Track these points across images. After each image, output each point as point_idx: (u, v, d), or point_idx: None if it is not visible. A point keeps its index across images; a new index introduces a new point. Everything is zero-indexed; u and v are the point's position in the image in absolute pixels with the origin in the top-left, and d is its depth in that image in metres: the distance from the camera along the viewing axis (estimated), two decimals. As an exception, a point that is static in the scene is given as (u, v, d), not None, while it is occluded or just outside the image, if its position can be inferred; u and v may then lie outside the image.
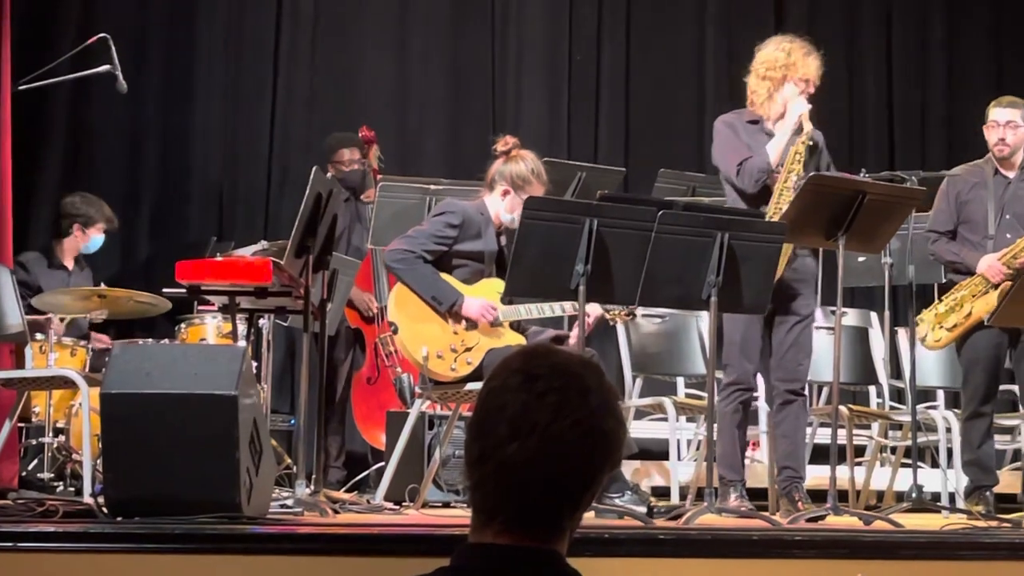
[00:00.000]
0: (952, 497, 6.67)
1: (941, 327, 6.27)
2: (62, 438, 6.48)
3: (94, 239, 7.42)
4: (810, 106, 5.67)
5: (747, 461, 7.10)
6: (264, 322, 6.73)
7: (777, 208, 5.56)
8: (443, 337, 5.58)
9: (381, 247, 7.21)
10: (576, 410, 1.97)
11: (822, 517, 5.32)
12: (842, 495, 6.04)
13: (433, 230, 5.67)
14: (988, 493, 6.24)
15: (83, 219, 7.38)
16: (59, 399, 6.55)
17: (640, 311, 6.70)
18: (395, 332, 5.64)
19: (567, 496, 1.99)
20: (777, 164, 5.65)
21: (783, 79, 5.70)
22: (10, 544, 3.79)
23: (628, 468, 6.81)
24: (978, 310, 6.12)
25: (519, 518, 1.98)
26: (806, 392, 5.90)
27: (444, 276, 5.63)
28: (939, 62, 10.00)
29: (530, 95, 9.20)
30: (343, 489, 6.93)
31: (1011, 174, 6.34)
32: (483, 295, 5.63)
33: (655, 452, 7.32)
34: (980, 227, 6.30)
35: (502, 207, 5.72)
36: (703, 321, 6.75)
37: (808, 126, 5.64)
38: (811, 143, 5.67)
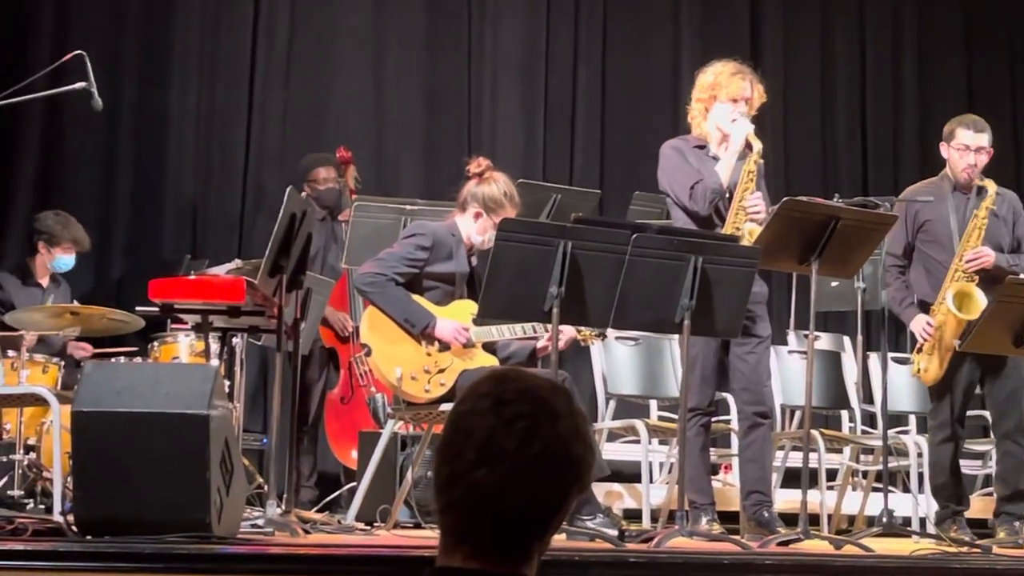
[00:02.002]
0: (923, 522, 6.69)
1: (930, 356, 6.17)
2: (33, 455, 6.45)
3: (59, 258, 7.36)
4: (752, 126, 5.70)
5: (718, 484, 7.14)
6: (237, 341, 6.71)
7: (734, 227, 5.60)
8: (416, 358, 5.58)
9: (356, 267, 7.21)
10: (545, 436, 1.97)
11: (793, 541, 5.32)
12: (813, 519, 6.06)
13: (404, 252, 5.66)
14: (961, 518, 6.23)
15: (47, 237, 7.34)
16: (30, 416, 6.52)
17: (613, 333, 6.71)
18: (368, 354, 5.64)
19: (536, 521, 2.00)
20: (729, 185, 5.69)
21: (713, 99, 5.77)
22: (-22, 562, 3.77)
23: (600, 490, 6.80)
24: (948, 332, 6.10)
25: (488, 542, 1.98)
26: (772, 416, 5.94)
27: (416, 298, 5.63)
28: (912, 88, 10.07)
29: (506, 117, 9.22)
30: (315, 509, 6.91)
31: (969, 192, 6.25)
32: (455, 316, 5.62)
33: (627, 474, 7.32)
34: (945, 245, 6.19)
35: (473, 229, 5.71)
36: (676, 344, 6.76)
37: (757, 144, 5.69)
38: (762, 160, 5.72)
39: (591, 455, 2.02)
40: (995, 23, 10.23)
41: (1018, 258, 6.26)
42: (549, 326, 5.43)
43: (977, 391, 6.36)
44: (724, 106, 5.74)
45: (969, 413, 6.37)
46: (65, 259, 7.38)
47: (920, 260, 6.29)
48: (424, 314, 5.57)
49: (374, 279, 5.58)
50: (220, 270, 6.70)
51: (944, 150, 6.29)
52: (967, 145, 6.19)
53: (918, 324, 6.18)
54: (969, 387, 6.23)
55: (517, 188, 5.99)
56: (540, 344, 5.71)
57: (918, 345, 6.22)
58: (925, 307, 6.22)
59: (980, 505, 7.15)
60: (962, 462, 6.40)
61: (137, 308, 6.59)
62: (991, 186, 6.19)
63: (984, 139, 6.21)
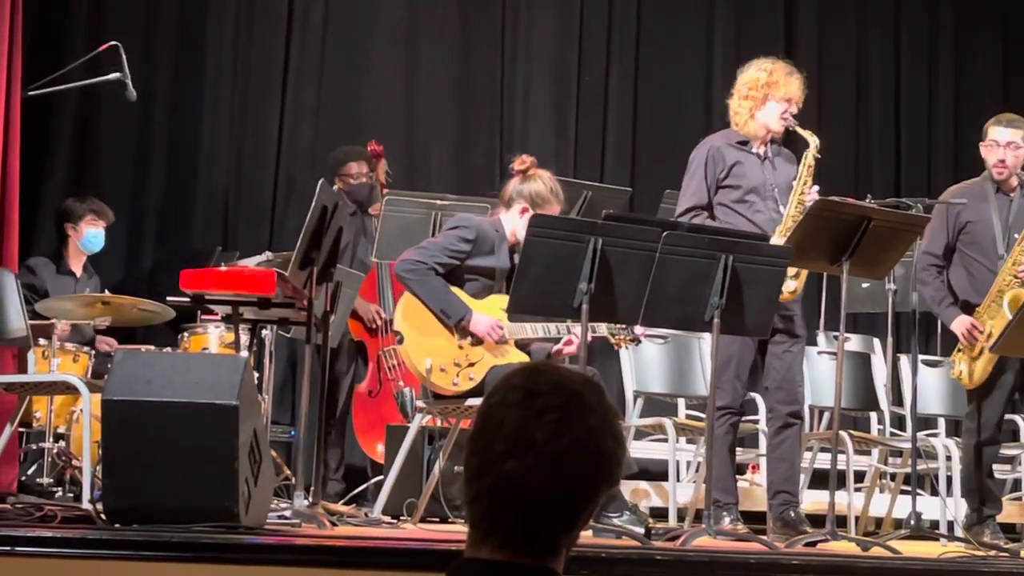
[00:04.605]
0: (951, 525, 6.66)
1: (974, 360, 6.07)
2: (62, 443, 6.49)
3: (87, 233, 7.33)
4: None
5: (745, 484, 7.13)
6: (267, 333, 6.74)
7: (793, 220, 5.58)
8: (448, 351, 5.59)
9: (386, 261, 7.23)
10: (575, 429, 1.97)
11: (820, 542, 5.31)
12: (840, 521, 6.04)
13: (446, 243, 5.68)
14: (993, 521, 6.18)
15: (67, 215, 7.36)
16: (60, 404, 6.56)
17: (641, 330, 6.71)
18: (400, 342, 5.65)
19: (564, 514, 1.99)
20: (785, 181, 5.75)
21: (764, 98, 5.77)
22: (8, 548, 3.80)
23: (627, 488, 6.79)
24: (997, 329, 6.00)
25: (516, 534, 1.98)
26: (804, 416, 5.92)
27: (454, 289, 5.64)
28: (946, 89, 10.02)
29: (538, 113, 9.21)
30: (341, 502, 6.93)
31: (1012, 193, 6.19)
32: (491, 310, 5.63)
33: (654, 472, 7.31)
34: (989, 248, 6.13)
35: (520, 225, 5.68)
36: (705, 342, 6.75)
37: (814, 140, 5.72)
38: (819, 156, 5.73)
39: (621, 450, 2.01)
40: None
41: None
42: (575, 327, 5.45)
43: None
44: (776, 105, 5.74)
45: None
46: (93, 232, 7.34)
47: (961, 261, 6.21)
48: (461, 306, 5.58)
49: (414, 266, 5.60)
50: (251, 262, 6.73)
51: (982, 150, 6.25)
52: (996, 141, 6.16)
53: (961, 324, 6.08)
54: (1012, 391, 6.18)
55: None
56: (556, 348, 5.71)
57: (959, 346, 6.15)
58: (968, 308, 6.15)
59: (1008, 510, 7.12)
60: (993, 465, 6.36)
61: (168, 298, 6.62)
62: None
63: (1014, 134, 6.15)
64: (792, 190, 5.74)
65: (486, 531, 1.99)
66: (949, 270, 6.24)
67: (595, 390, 2.02)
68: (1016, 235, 6.10)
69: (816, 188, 5.73)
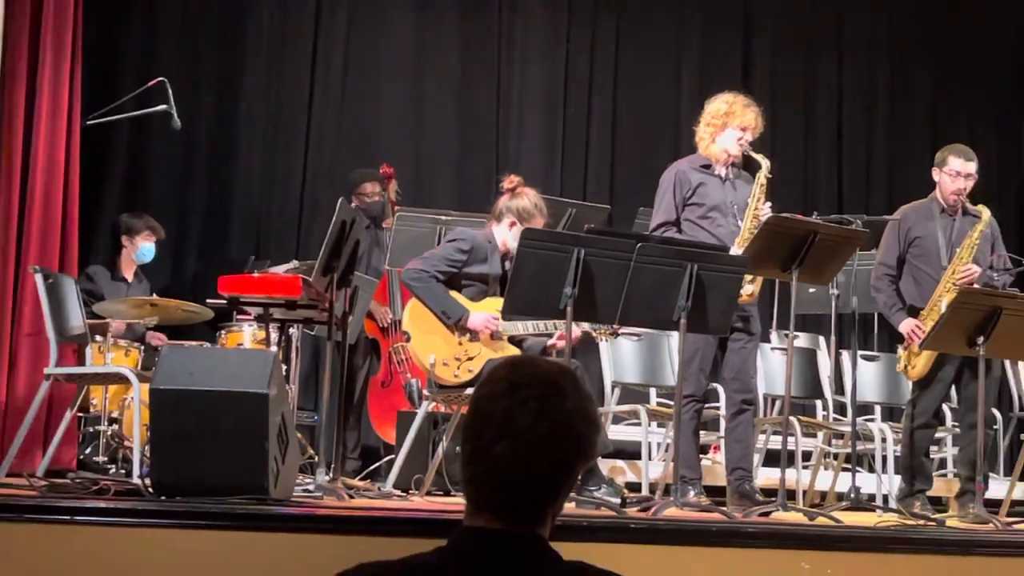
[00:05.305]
0: (886, 498, 6.67)
1: (916, 356, 6.06)
2: (115, 427, 6.49)
3: (142, 247, 7.37)
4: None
5: (707, 463, 7.12)
6: (294, 331, 6.73)
7: (751, 233, 5.58)
8: (448, 347, 5.60)
9: (396, 268, 7.23)
10: (553, 414, 1.98)
11: (772, 512, 5.31)
12: (790, 494, 6.03)
13: (445, 254, 5.71)
14: (924, 496, 6.18)
15: (126, 230, 7.38)
16: (114, 393, 6.56)
17: (620, 329, 6.72)
18: (408, 340, 5.66)
19: (548, 488, 2.00)
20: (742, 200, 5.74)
21: (724, 126, 5.76)
22: (68, 518, 3.80)
23: (605, 465, 6.80)
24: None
25: (507, 507, 1.99)
26: (756, 403, 5.92)
27: (453, 293, 5.66)
28: (882, 123, 10.03)
29: (529, 141, 9.22)
30: (358, 477, 6.92)
31: (955, 214, 6.18)
32: (487, 311, 5.64)
33: (629, 452, 7.31)
34: (934, 259, 6.13)
35: (509, 236, 5.72)
36: (673, 340, 6.75)
37: (766, 162, 5.71)
38: (770, 175, 5.72)
39: (595, 431, 2.02)
40: (960, 79, 10.16)
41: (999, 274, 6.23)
42: (563, 324, 5.46)
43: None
44: (734, 132, 5.74)
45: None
46: (147, 246, 7.38)
47: (910, 271, 6.22)
48: (459, 308, 5.60)
49: (418, 275, 5.62)
50: (280, 269, 6.73)
51: (936, 174, 6.20)
52: (958, 171, 6.11)
53: (907, 326, 6.10)
54: (950, 383, 6.18)
55: (539, 202, 5.96)
56: (551, 341, 5.73)
57: (905, 344, 6.15)
58: (914, 311, 6.16)
59: (936, 485, 7.11)
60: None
61: (208, 301, 6.63)
62: (985, 212, 6.15)
63: (973, 167, 6.13)
64: (748, 207, 5.75)
65: (480, 505, 2.00)
66: (899, 278, 6.25)
67: (571, 379, 2.03)
68: (957, 249, 6.12)
69: (769, 204, 5.73)
